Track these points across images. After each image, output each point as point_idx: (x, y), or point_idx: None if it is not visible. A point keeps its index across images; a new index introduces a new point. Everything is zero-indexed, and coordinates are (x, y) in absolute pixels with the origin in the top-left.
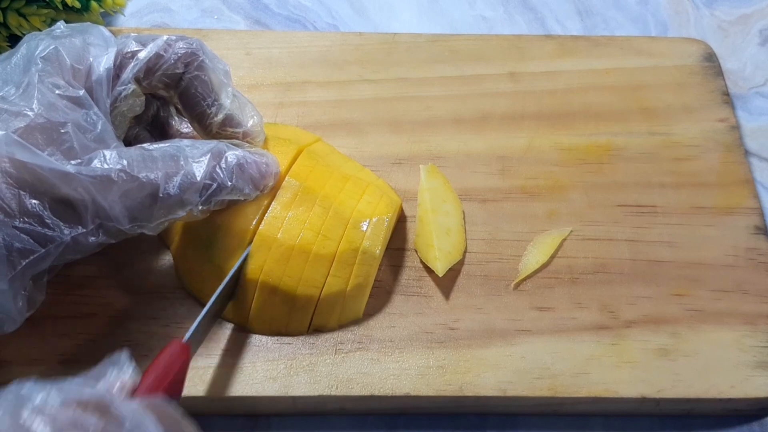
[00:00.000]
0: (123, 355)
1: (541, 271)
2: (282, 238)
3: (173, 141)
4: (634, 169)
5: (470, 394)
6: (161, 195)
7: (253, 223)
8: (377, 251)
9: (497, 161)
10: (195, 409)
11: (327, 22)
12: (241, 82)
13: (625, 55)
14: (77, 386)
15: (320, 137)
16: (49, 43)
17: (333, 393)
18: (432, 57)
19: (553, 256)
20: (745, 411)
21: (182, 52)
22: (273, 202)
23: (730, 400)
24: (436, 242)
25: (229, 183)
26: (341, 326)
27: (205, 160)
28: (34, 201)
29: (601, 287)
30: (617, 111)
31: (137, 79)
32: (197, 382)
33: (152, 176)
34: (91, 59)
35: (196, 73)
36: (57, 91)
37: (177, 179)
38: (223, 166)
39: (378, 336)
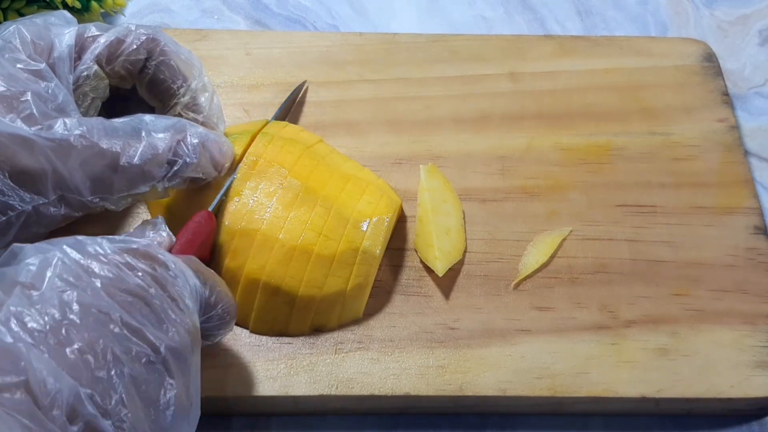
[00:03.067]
0: (159, 219)
1: (541, 271)
2: (284, 238)
3: (135, 115)
4: (634, 169)
5: (470, 393)
6: (122, 164)
7: (260, 223)
8: (377, 251)
9: (497, 161)
10: None
11: (327, 22)
12: (241, 82)
13: (625, 55)
14: (123, 240)
15: (322, 138)
16: (10, 23)
17: (333, 393)
18: (432, 57)
19: (553, 256)
20: (744, 411)
21: (143, 38)
22: (275, 203)
23: (729, 399)
24: (436, 242)
25: (195, 160)
26: (341, 326)
27: (168, 134)
28: None
29: (600, 287)
30: (617, 111)
31: (99, 63)
32: None
33: (112, 144)
34: (53, 37)
35: (160, 58)
36: (18, 65)
37: (138, 149)
38: (187, 142)
39: (378, 336)
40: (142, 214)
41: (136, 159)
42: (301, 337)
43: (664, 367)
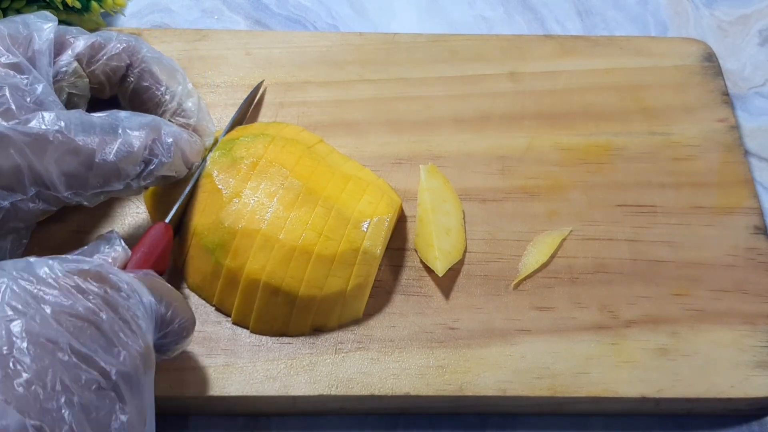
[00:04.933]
0: (113, 234)
1: (541, 271)
2: (284, 238)
3: (112, 111)
4: (634, 169)
5: (470, 393)
6: (97, 161)
7: (261, 223)
8: (378, 251)
9: (497, 161)
10: (195, 409)
11: (327, 22)
12: (241, 82)
13: (625, 55)
14: (75, 260)
15: (322, 138)
16: None
17: (333, 393)
18: (432, 57)
19: (553, 256)
20: (744, 411)
21: (124, 44)
22: (276, 203)
23: (729, 399)
24: (436, 242)
25: (170, 159)
26: (341, 326)
27: (144, 132)
28: None
29: (600, 287)
30: (617, 111)
31: (80, 61)
32: (197, 382)
33: (89, 141)
34: (32, 32)
35: (143, 65)
36: None
37: (114, 147)
38: (162, 140)
39: (378, 336)
40: (142, 214)
41: (111, 156)
42: (301, 337)
43: (664, 367)
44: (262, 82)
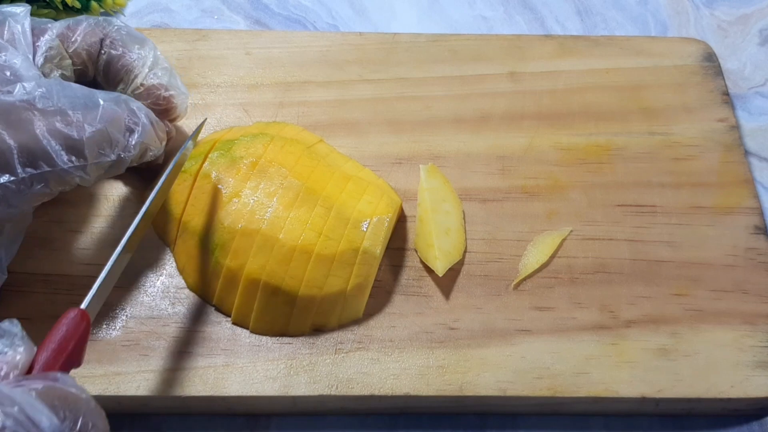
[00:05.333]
0: (14, 327)
1: (541, 271)
2: (284, 238)
3: (83, 86)
4: (634, 169)
5: (470, 393)
6: (87, 126)
7: (261, 223)
8: (377, 251)
9: (497, 161)
10: (195, 409)
11: (327, 22)
12: (241, 82)
13: (625, 55)
14: None
15: (322, 138)
16: None
17: (333, 393)
18: (432, 57)
19: (553, 256)
20: (744, 411)
21: (94, 21)
22: (275, 203)
23: (729, 399)
24: (436, 242)
25: (149, 125)
26: (341, 326)
27: (119, 102)
28: None
29: (601, 287)
30: (617, 111)
31: (61, 40)
32: (197, 382)
33: (75, 105)
34: (6, 16)
35: (114, 37)
36: None
37: (98, 112)
38: (136, 112)
39: (378, 336)
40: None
41: (98, 121)
42: (301, 337)
43: (665, 367)
44: (204, 121)
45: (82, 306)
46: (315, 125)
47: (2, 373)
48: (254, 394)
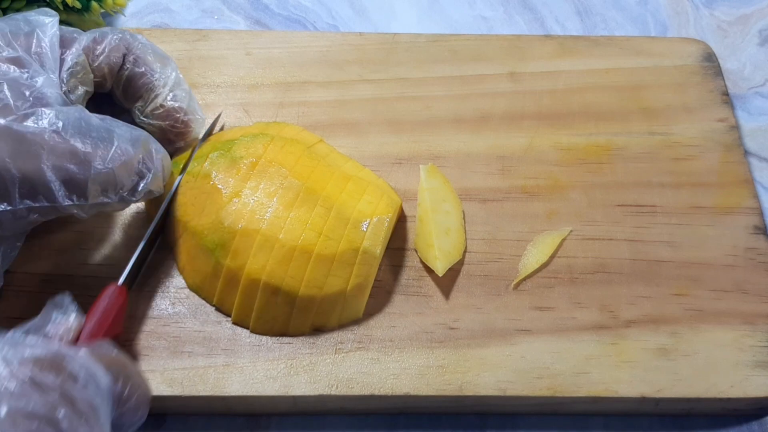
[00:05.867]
0: (66, 299)
1: (540, 271)
2: (284, 238)
3: (106, 117)
4: (634, 169)
5: (470, 393)
6: (95, 165)
7: (261, 223)
8: (377, 251)
9: (497, 161)
10: (195, 409)
11: (327, 22)
12: (241, 82)
13: (625, 55)
14: (29, 341)
15: (322, 138)
16: None
17: (333, 393)
18: (432, 57)
19: (552, 256)
20: (744, 411)
21: (119, 36)
22: (276, 203)
23: (729, 399)
24: (436, 242)
25: (160, 173)
26: (341, 326)
27: (137, 143)
28: None
29: (601, 287)
30: (617, 111)
31: (87, 54)
32: (197, 381)
33: (87, 144)
34: (34, 27)
35: (137, 53)
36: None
37: (109, 153)
38: (153, 155)
39: (378, 336)
40: (143, 213)
41: (108, 162)
42: (301, 337)
43: (664, 367)
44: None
45: (119, 282)
46: (315, 125)
47: (58, 337)
48: (254, 393)
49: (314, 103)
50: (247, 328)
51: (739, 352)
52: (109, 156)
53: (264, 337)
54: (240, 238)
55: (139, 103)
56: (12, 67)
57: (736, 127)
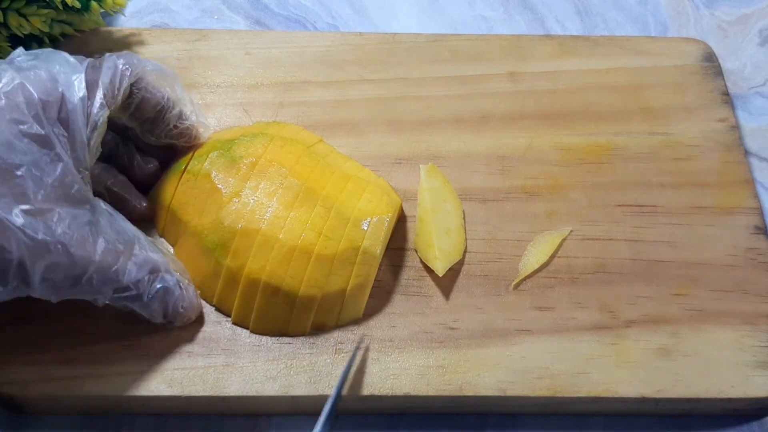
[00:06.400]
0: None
1: (541, 271)
2: (284, 238)
3: (133, 229)
4: (634, 169)
5: (470, 393)
6: (84, 279)
7: (261, 223)
8: (377, 251)
9: (497, 161)
10: (195, 409)
11: (327, 22)
12: (241, 82)
13: (625, 55)
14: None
15: (322, 138)
16: (12, 76)
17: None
18: (432, 57)
19: (553, 256)
20: (744, 411)
21: (129, 68)
22: (275, 202)
23: (729, 399)
24: (436, 242)
25: (146, 299)
26: (341, 326)
27: (144, 269)
28: None
29: (601, 287)
30: (617, 111)
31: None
32: (197, 381)
33: (87, 261)
34: (61, 89)
35: (146, 80)
36: (20, 127)
37: (107, 274)
38: (154, 283)
39: (378, 336)
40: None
41: (96, 281)
42: (301, 337)
43: (665, 367)
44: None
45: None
46: (315, 125)
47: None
48: (254, 394)
49: (314, 103)
50: (247, 328)
51: (740, 352)
52: (103, 278)
53: (264, 338)
54: (240, 238)
55: (147, 125)
56: (36, 147)
57: (736, 127)
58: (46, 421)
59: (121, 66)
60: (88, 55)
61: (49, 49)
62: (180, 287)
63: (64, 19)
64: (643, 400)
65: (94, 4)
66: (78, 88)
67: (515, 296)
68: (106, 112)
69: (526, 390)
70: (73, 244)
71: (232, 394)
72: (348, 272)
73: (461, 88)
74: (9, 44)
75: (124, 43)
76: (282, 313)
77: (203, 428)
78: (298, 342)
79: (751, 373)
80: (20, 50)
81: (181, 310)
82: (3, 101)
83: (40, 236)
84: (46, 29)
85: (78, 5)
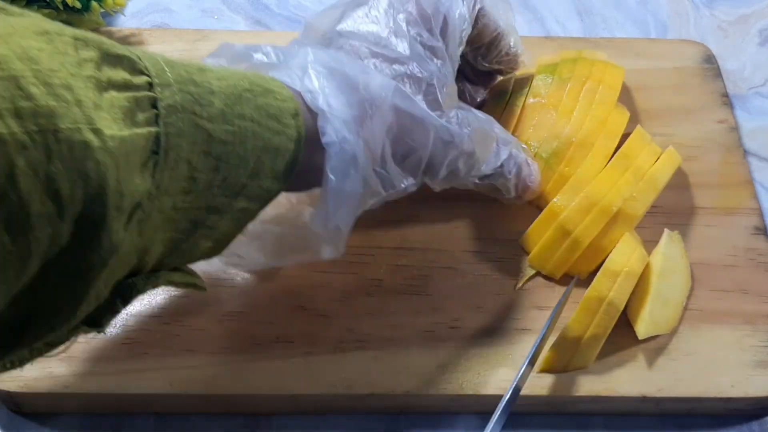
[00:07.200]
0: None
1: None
2: (589, 191)
3: (490, 120)
4: None
5: (470, 393)
6: (475, 169)
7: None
8: (622, 306)
9: None
10: (195, 409)
11: None
12: None
13: (625, 56)
14: None
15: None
16: None
17: (333, 392)
18: None
19: None
20: (745, 410)
21: None
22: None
23: (730, 399)
24: (650, 306)
25: (508, 176)
26: (568, 370)
27: (507, 148)
28: (392, 151)
29: None
30: None
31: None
32: (197, 381)
33: (479, 151)
34: (443, 10)
35: (485, 10)
36: (420, 39)
37: (489, 160)
38: (512, 159)
39: (378, 335)
40: None
41: (483, 167)
42: (301, 337)
43: (665, 366)
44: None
45: None
46: None
47: None
48: (254, 393)
49: None
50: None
51: (740, 351)
52: (482, 165)
53: (264, 337)
54: (575, 149)
55: (482, 51)
56: (432, 57)
57: (735, 129)
58: (46, 420)
59: None
60: None
61: None
62: (528, 163)
63: (64, 19)
64: (644, 400)
65: (94, 4)
66: (460, 11)
67: (516, 296)
68: (468, 30)
69: (527, 389)
70: (473, 139)
71: (232, 393)
72: (589, 320)
73: None
74: None
75: (123, 44)
76: (562, 257)
77: (203, 428)
78: (298, 341)
79: (751, 372)
80: None
81: (530, 184)
82: (402, 15)
83: (466, 132)
84: None
85: (78, 5)
